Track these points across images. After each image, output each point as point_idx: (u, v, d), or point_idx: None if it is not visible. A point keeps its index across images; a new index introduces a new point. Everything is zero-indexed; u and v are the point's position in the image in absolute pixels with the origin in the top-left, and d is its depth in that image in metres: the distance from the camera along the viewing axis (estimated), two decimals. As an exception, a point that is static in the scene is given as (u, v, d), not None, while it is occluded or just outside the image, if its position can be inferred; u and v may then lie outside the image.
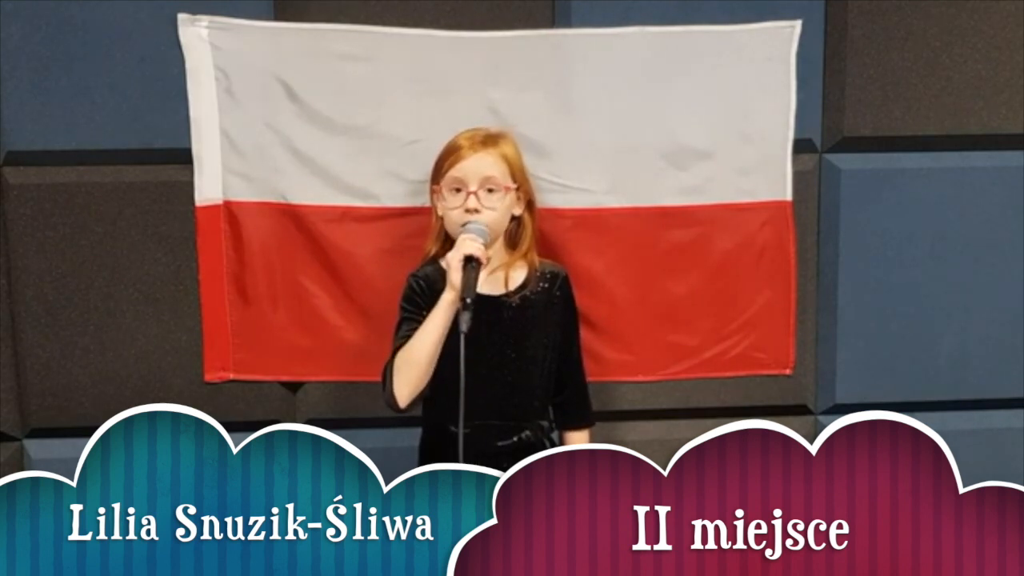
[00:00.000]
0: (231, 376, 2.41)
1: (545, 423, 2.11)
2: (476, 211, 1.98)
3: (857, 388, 2.55)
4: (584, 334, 2.30)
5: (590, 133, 2.36)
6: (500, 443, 2.02)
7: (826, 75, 2.44)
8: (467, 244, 1.89)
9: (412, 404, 1.99)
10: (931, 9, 2.43)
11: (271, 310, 2.38)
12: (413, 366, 1.94)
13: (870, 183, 2.48)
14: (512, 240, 2.10)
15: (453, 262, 1.88)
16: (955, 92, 2.46)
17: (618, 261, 2.41)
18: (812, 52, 2.41)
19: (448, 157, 2.03)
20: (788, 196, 2.44)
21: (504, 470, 1.96)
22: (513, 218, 2.08)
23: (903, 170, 2.48)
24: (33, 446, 2.42)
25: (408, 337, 1.98)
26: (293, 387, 2.45)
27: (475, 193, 1.99)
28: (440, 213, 2.07)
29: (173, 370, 2.40)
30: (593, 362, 2.35)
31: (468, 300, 1.82)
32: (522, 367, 2.04)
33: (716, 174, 2.41)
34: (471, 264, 1.87)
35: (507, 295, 2.04)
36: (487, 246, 1.94)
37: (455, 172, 2.01)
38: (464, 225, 1.96)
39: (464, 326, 1.81)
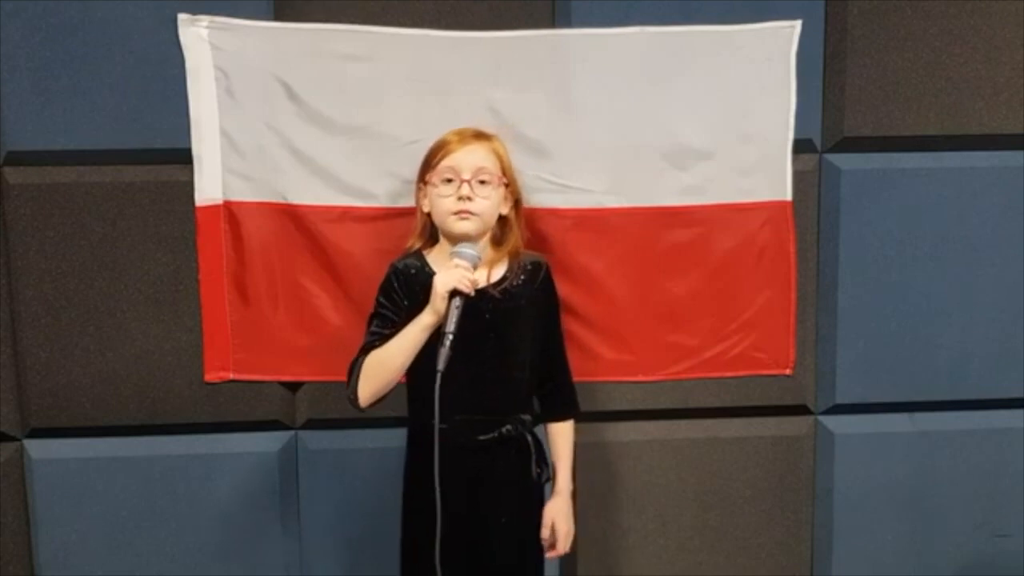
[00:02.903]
0: (231, 376, 2.41)
1: (527, 417, 2.09)
2: (469, 199, 1.97)
3: (857, 388, 2.55)
4: (584, 334, 2.30)
5: (590, 133, 2.36)
6: (481, 437, 2.01)
7: (826, 75, 2.44)
8: (456, 275, 1.87)
9: (372, 406, 1.99)
10: (931, 9, 2.43)
11: (271, 310, 2.38)
12: (380, 376, 1.96)
13: (870, 183, 2.48)
14: (497, 239, 2.09)
15: (439, 288, 1.87)
16: (955, 92, 2.46)
17: (618, 261, 2.41)
18: (812, 52, 2.41)
19: (439, 151, 2.03)
20: (788, 196, 2.44)
21: (485, 464, 1.97)
22: (500, 217, 2.07)
23: (903, 170, 2.48)
24: (33, 446, 2.42)
25: (377, 335, 1.99)
26: (293, 387, 2.45)
27: (468, 182, 1.99)
28: (427, 210, 2.07)
29: (173, 370, 2.40)
30: (593, 362, 2.35)
31: (451, 337, 1.83)
32: (503, 361, 2.04)
33: (716, 174, 2.41)
34: (457, 297, 1.86)
35: (487, 288, 2.02)
36: (476, 267, 1.92)
37: (448, 162, 2.01)
38: (456, 248, 1.95)
39: (441, 364, 1.81)
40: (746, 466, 2.56)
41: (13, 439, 2.41)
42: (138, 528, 2.45)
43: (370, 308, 2.33)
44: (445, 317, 1.85)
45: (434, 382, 1.83)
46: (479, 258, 1.95)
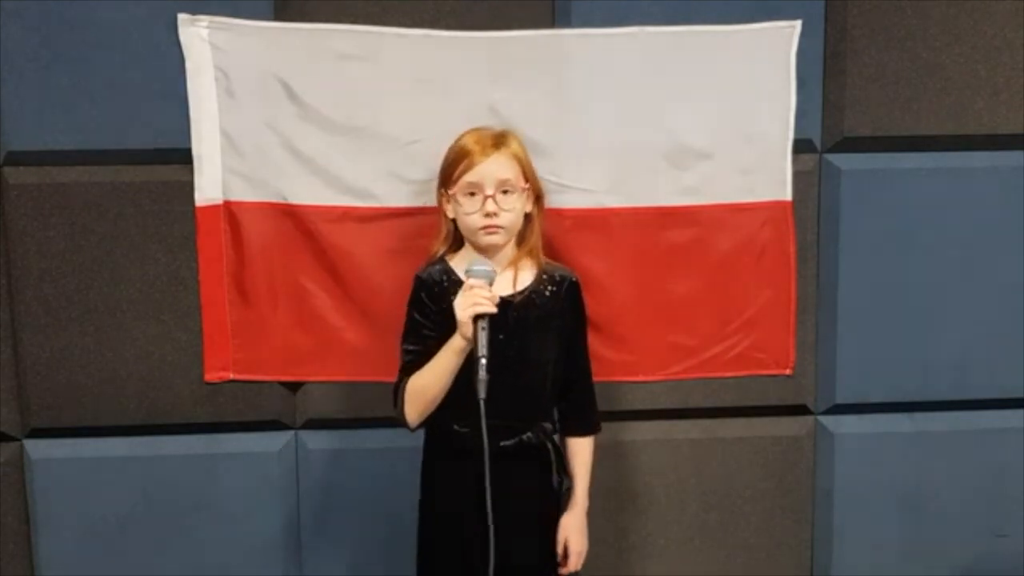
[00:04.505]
0: (231, 376, 2.41)
1: (548, 425, 2.09)
2: (495, 214, 1.97)
3: (857, 388, 2.55)
4: (584, 334, 2.30)
5: (590, 133, 2.36)
6: (502, 443, 2.00)
7: (826, 75, 2.44)
8: (474, 299, 1.85)
9: (421, 425, 2.02)
10: (931, 9, 2.43)
11: (271, 310, 2.38)
12: (423, 400, 1.97)
13: (870, 183, 2.48)
14: (520, 236, 2.08)
15: (462, 316, 1.86)
16: (955, 92, 2.46)
17: (618, 261, 2.41)
18: (812, 52, 2.41)
19: (460, 162, 2.01)
20: (788, 196, 2.44)
21: (505, 470, 1.97)
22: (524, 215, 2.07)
23: (903, 170, 2.48)
24: (33, 446, 2.42)
25: (413, 355, 1.99)
26: (293, 387, 2.45)
27: (492, 197, 1.98)
28: (452, 216, 2.06)
29: (173, 370, 2.40)
30: (594, 362, 2.34)
31: (484, 361, 1.82)
32: (525, 369, 2.03)
33: (716, 174, 2.41)
34: (482, 320, 1.85)
35: (512, 296, 2.02)
36: (492, 282, 1.91)
37: (470, 177, 1.99)
38: (469, 268, 1.93)
39: (482, 392, 1.81)
40: (746, 466, 2.56)
41: (13, 439, 2.41)
42: (138, 528, 2.45)
43: (371, 308, 2.35)
44: (475, 341, 1.85)
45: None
46: (495, 273, 1.93)
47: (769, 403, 2.54)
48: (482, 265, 1.92)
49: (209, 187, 2.34)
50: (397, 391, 2.01)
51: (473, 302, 1.85)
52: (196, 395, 2.41)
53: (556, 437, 2.12)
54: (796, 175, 2.44)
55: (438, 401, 1.97)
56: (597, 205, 2.39)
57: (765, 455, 2.56)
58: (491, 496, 1.86)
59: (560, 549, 2.09)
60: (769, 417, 2.56)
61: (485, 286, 1.88)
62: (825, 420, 2.57)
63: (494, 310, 1.86)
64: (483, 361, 1.82)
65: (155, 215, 2.35)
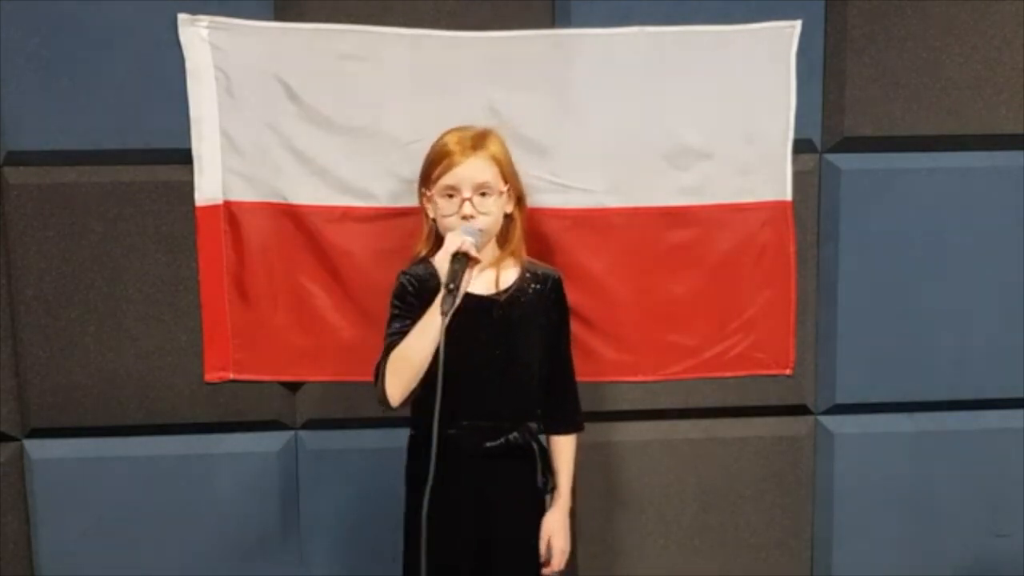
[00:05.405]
0: (231, 376, 2.41)
1: (534, 425, 2.09)
2: (471, 217, 1.96)
3: (857, 388, 2.55)
4: (584, 334, 2.30)
5: (590, 133, 2.36)
6: (488, 444, 2.00)
7: (826, 75, 2.44)
8: (458, 240, 1.86)
9: (403, 403, 1.95)
10: (931, 9, 2.43)
11: (271, 310, 2.38)
12: (407, 367, 1.91)
13: (870, 183, 2.48)
14: (502, 237, 2.08)
15: (441, 255, 1.86)
16: (955, 92, 2.46)
17: (618, 261, 2.41)
18: (812, 52, 2.41)
19: (438, 163, 2.00)
20: (788, 196, 2.44)
21: (491, 470, 1.96)
22: (505, 216, 2.07)
23: (903, 170, 2.48)
24: (33, 446, 2.42)
25: (400, 334, 1.95)
26: (293, 387, 2.45)
27: (469, 199, 1.97)
28: (432, 215, 2.06)
29: (173, 370, 2.40)
30: (593, 362, 2.35)
31: (451, 286, 1.79)
32: (510, 368, 2.03)
33: (716, 174, 2.41)
34: (459, 256, 1.83)
35: (496, 295, 2.02)
36: (478, 248, 1.89)
37: (447, 180, 1.98)
38: (462, 227, 1.93)
39: (446, 305, 1.77)
40: (746, 466, 2.56)
41: (13, 439, 2.41)
42: (138, 528, 2.45)
43: (370, 308, 2.34)
44: (449, 275, 1.81)
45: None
46: (480, 235, 1.91)
47: (769, 403, 2.54)
48: (472, 227, 1.92)
49: (209, 187, 2.34)
50: (378, 371, 1.95)
51: (457, 242, 1.84)
52: (196, 395, 2.41)
53: (541, 437, 2.12)
54: (796, 175, 2.44)
55: (420, 372, 1.89)
56: (597, 205, 2.39)
57: (765, 455, 2.56)
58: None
59: (543, 548, 2.08)
60: (769, 417, 2.56)
61: (467, 238, 1.87)
62: (825, 420, 2.57)
63: (475, 253, 1.84)
64: (451, 287, 1.79)
65: (155, 215, 2.35)
